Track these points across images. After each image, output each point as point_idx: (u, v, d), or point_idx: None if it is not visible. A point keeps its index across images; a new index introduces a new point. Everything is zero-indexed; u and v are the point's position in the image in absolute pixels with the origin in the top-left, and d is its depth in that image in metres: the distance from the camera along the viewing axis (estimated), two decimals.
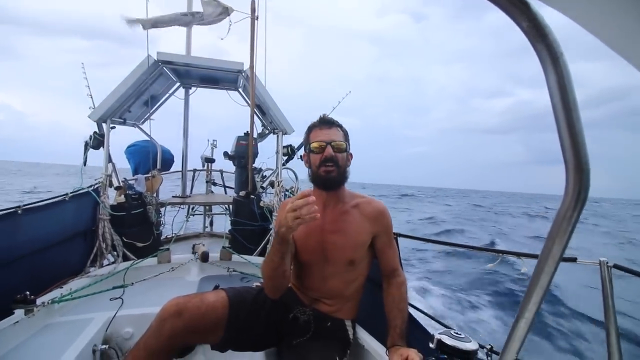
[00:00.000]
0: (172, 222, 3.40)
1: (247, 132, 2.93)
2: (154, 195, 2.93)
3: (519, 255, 1.16)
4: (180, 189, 3.52)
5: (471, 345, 0.88)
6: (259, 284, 1.42)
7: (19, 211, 1.69)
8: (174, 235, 3.27)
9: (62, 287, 1.79)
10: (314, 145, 1.26)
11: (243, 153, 3.03)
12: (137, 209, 2.57)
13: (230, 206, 3.21)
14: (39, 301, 1.50)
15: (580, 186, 0.31)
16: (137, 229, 2.56)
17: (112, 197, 2.53)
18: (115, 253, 2.44)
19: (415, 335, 1.31)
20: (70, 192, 2.16)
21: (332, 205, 1.30)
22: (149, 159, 3.07)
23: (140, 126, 3.21)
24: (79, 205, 2.29)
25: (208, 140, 4.02)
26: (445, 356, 0.89)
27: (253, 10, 2.70)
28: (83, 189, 2.30)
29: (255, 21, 2.69)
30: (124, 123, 2.86)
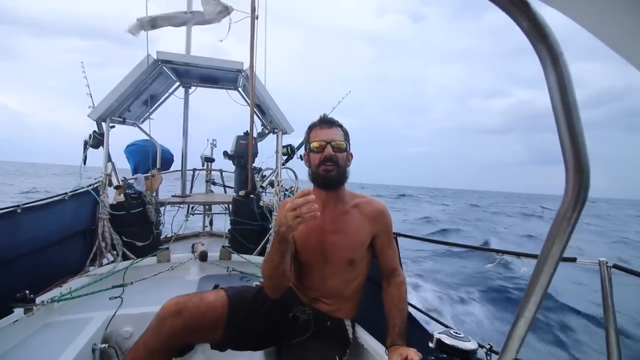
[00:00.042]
0: (171, 221, 3.40)
1: (247, 131, 2.93)
2: (154, 194, 2.93)
3: (518, 255, 1.16)
4: (180, 189, 3.52)
5: (470, 345, 0.88)
6: (258, 283, 1.42)
7: (19, 210, 1.69)
8: (173, 234, 3.27)
9: (61, 286, 1.79)
10: (314, 144, 1.26)
11: (243, 152, 3.02)
12: (136, 208, 2.57)
13: (230, 206, 3.21)
14: (38, 300, 1.50)
15: (580, 186, 0.31)
16: (137, 228, 2.56)
17: (111, 196, 2.53)
18: (114, 252, 2.44)
19: (415, 334, 1.31)
20: (70, 191, 2.16)
21: (332, 205, 1.31)
22: (148, 158, 3.06)
23: (140, 125, 3.20)
24: (79, 205, 2.29)
25: (208, 140, 4.02)
26: (445, 355, 0.89)
27: (253, 9, 2.70)
28: (83, 188, 2.30)
29: (255, 20, 2.69)
30: (123, 122, 2.86)
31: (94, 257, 2.33)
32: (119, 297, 1.75)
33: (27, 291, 1.45)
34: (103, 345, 1.46)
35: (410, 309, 1.43)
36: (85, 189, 2.32)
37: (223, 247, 2.55)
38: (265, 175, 3.22)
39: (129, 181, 2.81)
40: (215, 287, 1.33)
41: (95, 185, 2.42)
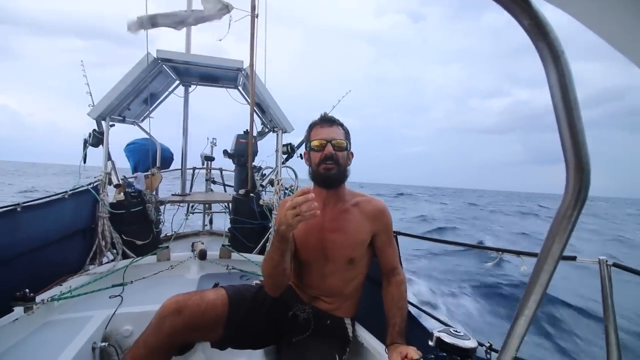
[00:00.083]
0: (171, 220, 3.40)
1: (247, 130, 2.93)
2: (154, 193, 2.93)
3: (518, 253, 1.16)
4: (180, 187, 3.52)
5: (470, 343, 0.88)
6: (258, 282, 1.43)
7: (19, 209, 1.69)
8: (173, 233, 3.27)
9: (61, 285, 1.79)
10: (314, 143, 1.26)
11: (243, 151, 3.02)
12: (136, 207, 2.57)
13: (230, 204, 3.21)
14: (38, 299, 1.50)
15: (581, 185, 0.31)
16: (137, 227, 2.56)
17: (111, 195, 2.53)
18: (114, 251, 2.44)
19: (415, 333, 1.31)
20: (70, 190, 2.16)
21: (332, 203, 1.31)
22: (148, 156, 3.06)
23: (140, 124, 3.20)
24: (79, 203, 2.28)
25: (208, 139, 4.02)
26: (445, 354, 0.89)
27: (253, 8, 2.69)
28: (82, 186, 2.30)
29: (255, 19, 2.68)
30: (123, 121, 2.86)
31: (94, 256, 2.33)
32: (119, 295, 1.75)
33: (27, 290, 1.45)
34: (103, 344, 1.46)
35: (410, 307, 1.43)
36: (85, 188, 2.31)
37: (223, 245, 2.55)
38: (265, 174, 3.22)
39: (129, 180, 2.81)
40: (215, 285, 1.33)
41: (95, 184, 2.42)
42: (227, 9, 2.41)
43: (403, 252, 1.48)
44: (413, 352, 1.08)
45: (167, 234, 3.32)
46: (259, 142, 3.22)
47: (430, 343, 0.92)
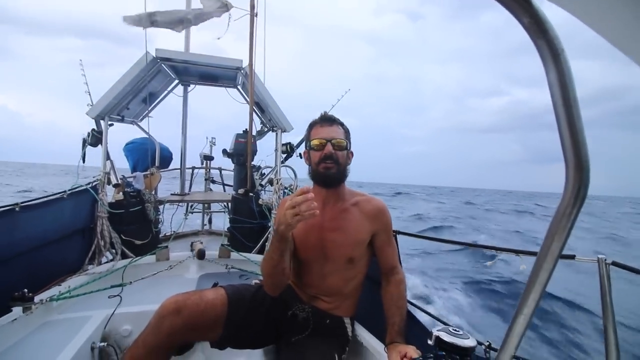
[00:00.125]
0: (170, 219, 3.39)
1: (246, 129, 2.93)
2: (153, 192, 2.93)
3: (517, 252, 1.16)
4: (179, 187, 3.51)
5: (469, 342, 0.88)
6: (257, 281, 1.43)
7: (17, 208, 1.69)
8: (172, 233, 3.27)
9: (60, 285, 1.78)
10: (314, 142, 1.25)
11: (242, 151, 3.02)
12: (135, 206, 2.56)
13: (229, 204, 3.21)
14: (37, 299, 1.49)
15: (580, 183, 0.31)
16: (136, 226, 2.55)
17: (110, 194, 2.53)
18: (113, 251, 2.44)
19: (414, 332, 1.31)
20: (69, 190, 2.15)
21: (332, 203, 1.30)
22: (147, 156, 3.06)
23: (139, 123, 3.19)
24: (77, 203, 2.28)
25: (207, 138, 4.02)
26: (444, 353, 0.89)
27: (252, 7, 2.68)
28: (81, 186, 2.29)
29: (255, 18, 2.68)
30: (122, 120, 2.85)
31: (93, 256, 2.33)
32: (118, 295, 1.75)
33: (26, 290, 1.45)
34: (102, 344, 1.46)
35: (409, 307, 1.43)
36: (84, 188, 2.31)
37: (222, 245, 2.55)
38: (264, 174, 3.21)
39: (128, 179, 2.81)
40: (215, 285, 1.33)
41: (94, 184, 2.41)
42: (226, 7, 2.40)
43: (400, 250, 1.48)
44: (412, 351, 1.08)
45: (166, 234, 3.31)
46: (258, 142, 3.22)
47: (430, 342, 0.92)
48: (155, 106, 3.27)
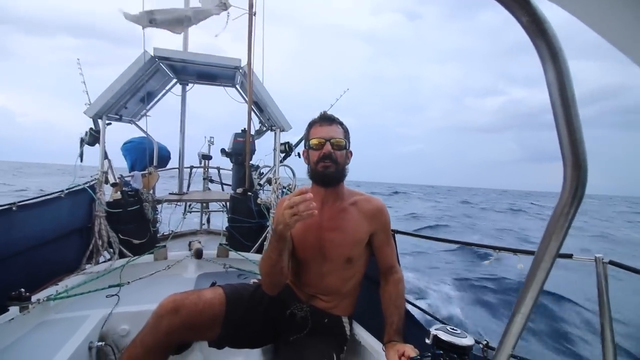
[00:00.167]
0: (168, 219, 3.39)
1: (244, 129, 2.92)
2: (151, 192, 2.92)
3: (515, 251, 1.17)
4: (177, 186, 3.50)
5: (467, 341, 0.89)
6: (256, 280, 1.42)
7: (14, 208, 1.68)
8: (170, 232, 3.26)
9: (57, 284, 1.78)
10: (313, 141, 1.25)
11: (240, 150, 3.01)
12: (133, 205, 2.56)
13: (228, 203, 3.21)
14: (34, 298, 1.49)
15: (578, 183, 0.31)
16: (134, 226, 2.54)
17: (108, 194, 2.52)
18: (111, 250, 2.43)
19: (412, 331, 1.31)
20: (66, 189, 2.14)
21: (331, 202, 1.31)
22: (145, 155, 3.05)
23: (137, 123, 3.18)
24: (75, 202, 2.27)
25: (205, 137, 4.01)
26: (441, 352, 0.89)
27: (251, 5, 2.68)
28: (79, 185, 2.28)
29: (253, 17, 2.67)
30: (120, 119, 2.84)
31: (91, 255, 2.32)
32: (116, 295, 1.74)
33: (23, 289, 1.44)
34: (100, 344, 1.46)
35: (407, 306, 1.43)
36: (82, 187, 2.30)
37: (220, 244, 2.54)
38: (262, 173, 3.21)
39: (126, 179, 2.80)
40: (213, 284, 1.33)
41: (91, 183, 2.40)
42: (224, 5, 2.40)
43: (398, 250, 1.48)
44: (410, 350, 1.08)
45: (165, 233, 3.31)
46: (256, 141, 3.21)
47: (427, 341, 0.92)
48: (153, 105, 3.27)
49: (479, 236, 12.68)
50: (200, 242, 2.53)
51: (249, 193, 2.82)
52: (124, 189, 2.59)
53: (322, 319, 1.28)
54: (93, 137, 2.50)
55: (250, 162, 2.92)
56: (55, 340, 1.34)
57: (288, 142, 3.07)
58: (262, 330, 1.27)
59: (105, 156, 2.55)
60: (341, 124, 1.30)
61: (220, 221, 3.84)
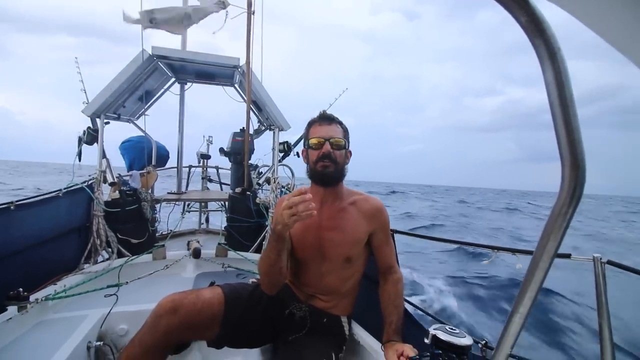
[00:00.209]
0: (167, 218, 3.38)
1: (243, 128, 2.92)
2: (149, 191, 2.91)
3: (513, 251, 1.17)
4: (176, 186, 3.50)
5: (466, 341, 0.89)
6: (254, 280, 1.42)
7: (12, 207, 1.67)
8: (169, 231, 3.25)
9: (56, 284, 1.77)
10: (312, 141, 1.25)
11: (239, 149, 3.01)
12: (131, 205, 2.55)
13: (226, 203, 3.20)
14: (32, 298, 1.48)
15: (576, 182, 0.31)
16: (132, 225, 2.54)
17: (106, 193, 2.51)
18: (109, 249, 2.42)
19: (411, 330, 1.32)
20: (64, 188, 2.14)
21: (330, 202, 1.31)
22: (143, 154, 3.04)
23: (135, 122, 3.17)
24: (73, 201, 2.26)
25: (204, 137, 4.00)
26: (440, 351, 0.89)
27: (250, 4, 2.67)
28: (77, 184, 2.27)
29: (252, 16, 2.67)
30: (118, 118, 2.83)
31: (89, 255, 2.31)
32: (114, 294, 1.74)
33: (21, 289, 1.44)
34: (98, 343, 1.45)
35: (406, 305, 1.43)
36: (80, 186, 2.29)
37: (219, 244, 2.54)
38: (261, 172, 3.21)
39: (124, 178, 2.79)
40: (212, 284, 1.33)
41: (89, 182, 2.39)
42: (223, 4, 2.39)
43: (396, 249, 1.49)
44: (409, 349, 1.08)
45: (163, 233, 3.30)
46: (255, 140, 3.21)
47: (426, 340, 0.92)
48: (151, 104, 3.25)
49: (475, 235, 12.75)
50: (198, 242, 2.53)
51: (248, 192, 2.82)
52: (122, 188, 2.58)
53: (321, 318, 1.28)
54: (91, 136, 2.49)
55: (249, 162, 2.92)
56: (54, 339, 1.34)
57: (287, 142, 3.06)
58: (260, 329, 1.27)
59: (104, 155, 2.54)
60: (340, 123, 1.30)
61: (219, 221, 3.84)
